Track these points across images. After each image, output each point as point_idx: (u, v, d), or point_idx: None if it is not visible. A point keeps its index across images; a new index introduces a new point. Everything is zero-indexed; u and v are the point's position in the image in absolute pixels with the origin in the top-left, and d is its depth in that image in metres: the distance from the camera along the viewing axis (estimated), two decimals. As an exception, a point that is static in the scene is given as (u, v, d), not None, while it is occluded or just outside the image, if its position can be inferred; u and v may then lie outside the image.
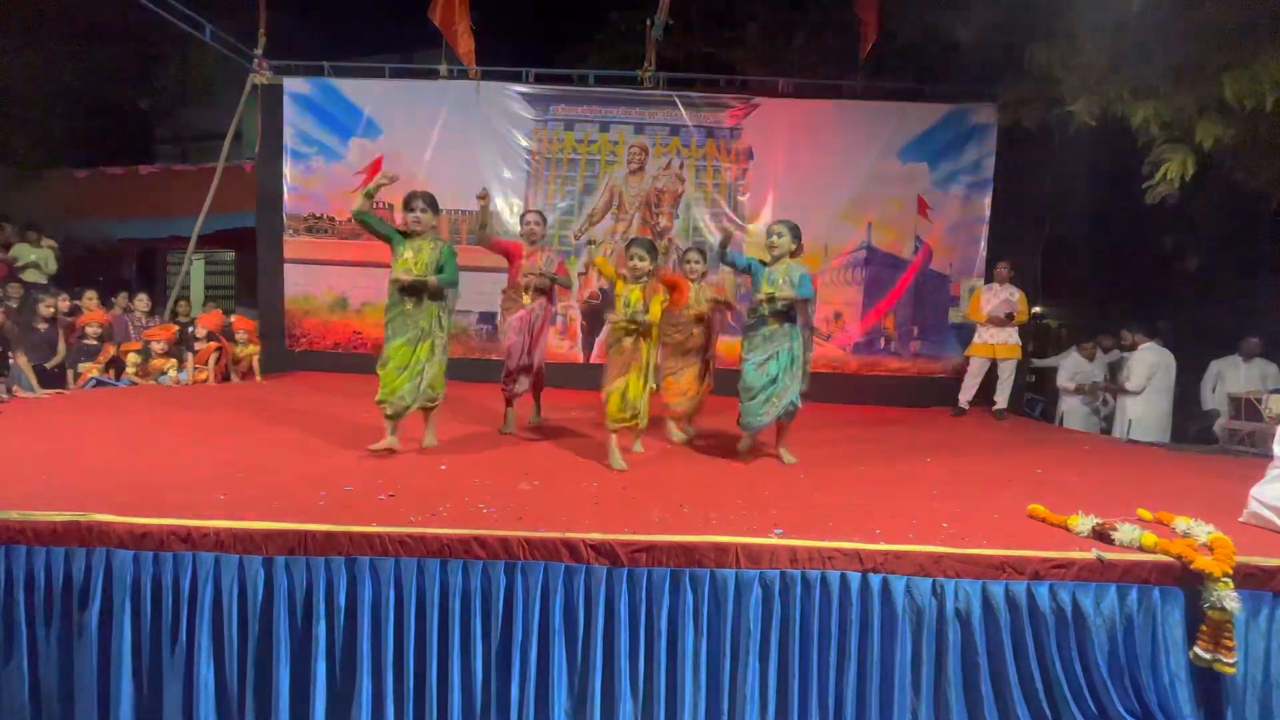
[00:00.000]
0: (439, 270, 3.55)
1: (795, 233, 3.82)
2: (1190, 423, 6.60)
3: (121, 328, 6.66)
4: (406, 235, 3.57)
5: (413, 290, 3.52)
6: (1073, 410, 6.95)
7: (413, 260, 3.51)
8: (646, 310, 3.58)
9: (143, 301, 7.06)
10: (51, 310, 5.94)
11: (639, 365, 3.61)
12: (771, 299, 3.69)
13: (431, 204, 3.60)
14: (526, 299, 4.28)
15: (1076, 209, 8.50)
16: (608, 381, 3.64)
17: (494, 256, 4.49)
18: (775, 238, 3.80)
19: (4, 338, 5.24)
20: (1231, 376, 6.31)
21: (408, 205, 3.55)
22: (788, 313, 3.73)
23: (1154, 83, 5.14)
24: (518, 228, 4.61)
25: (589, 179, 7.55)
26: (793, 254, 3.81)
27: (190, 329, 6.63)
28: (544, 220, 4.48)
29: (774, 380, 3.72)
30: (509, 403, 4.48)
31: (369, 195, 3.48)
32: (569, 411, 5.22)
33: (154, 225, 10.12)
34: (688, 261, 4.47)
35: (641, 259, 3.63)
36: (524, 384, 4.39)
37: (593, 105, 7.57)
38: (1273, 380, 6.11)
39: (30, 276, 6.94)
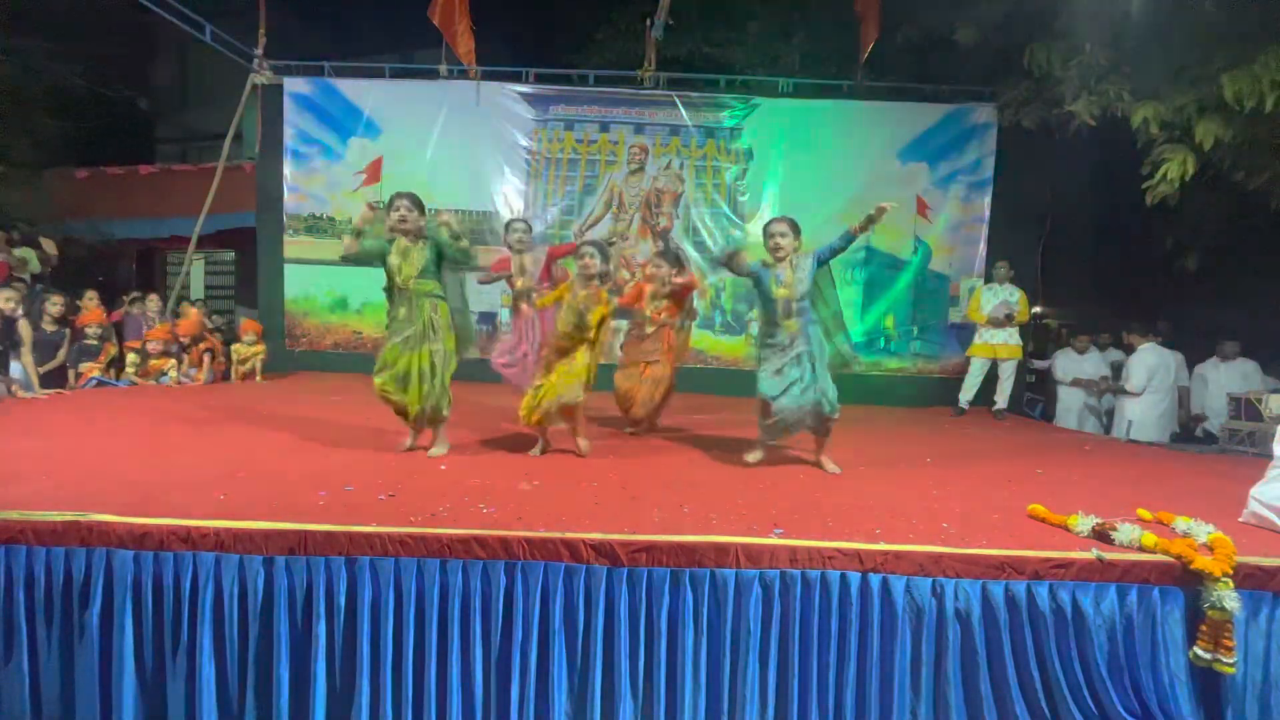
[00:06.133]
0: (432, 267, 3.50)
1: (796, 229, 3.57)
2: (1191, 423, 6.60)
3: (134, 327, 6.67)
4: (393, 240, 3.52)
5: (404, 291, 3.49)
6: (1069, 409, 6.95)
7: (400, 263, 3.46)
8: (586, 316, 3.62)
9: (154, 302, 7.07)
10: (61, 310, 5.93)
11: (569, 367, 3.63)
12: (788, 303, 3.47)
13: (416, 204, 3.52)
14: (523, 305, 4.45)
15: (1076, 209, 8.50)
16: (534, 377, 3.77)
17: (487, 258, 4.63)
18: (780, 238, 3.51)
19: (14, 336, 5.23)
20: (1214, 379, 6.36)
21: (392, 205, 3.49)
22: (803, 312, 3.51)
23: (1154, 83, 5.14)
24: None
25: (589, 179, 7.56)
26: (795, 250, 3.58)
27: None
28: (529, 228, 4.57)
29: (796, 380, 3.46)
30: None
31: (357, 234, 3.45)
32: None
33: (154, 225, 10.12)
34: (657, 266, 4.52)
35: (593, 256, 3.64)
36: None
37: (593, 105, 7.58)
38: (1254, 379, 6.14)
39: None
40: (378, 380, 3.52)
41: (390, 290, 3.55)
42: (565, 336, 3.68)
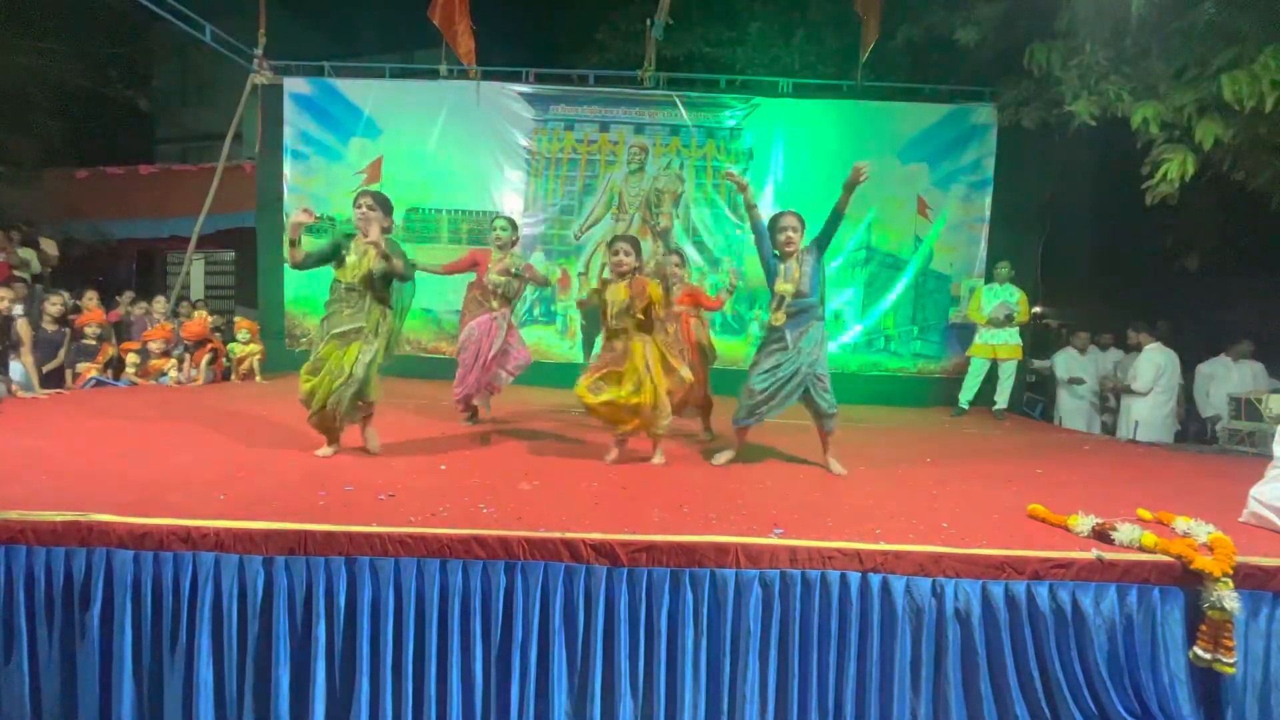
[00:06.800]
0: (377, 275, 3.37)
1: (804, 224, 3.54)
2: (1192, 424, 6.60)
3: (140, 329, 6.68)
4: (352, 237, 3.42)
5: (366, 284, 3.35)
6: (1071, 410, 6.94)
7: (357, 260, 3.36)
8: (631, 310, 3.48)
9: (160, 303, 7.07)
10: (61, 310, 5.93)
11: (632, 367, 3.48)
12: (782, 299, 3.46)
13: (380, 202, 3.42)
14: (494, 304, 4.39)
15: (1076, 209, 8.51)
16: (583, 374, 3.61)
17: (449, 254, 4.60)
18: (791, 232, 3.45)
19: (14, 337, 5.23)
20: (1223, 378, 6.35)
21: (355, 204, 3.42)
22: (808, 309, 3.48)
23: (1154, 83, 5.14)
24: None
25: (589, 179, 7.56)
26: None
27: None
28: (511, 226, 4.50)
29: (788, 380, 3.47)
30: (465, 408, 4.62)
31: (294, 244, 3.32)
32: (568, 412, 5.21)
33: (154, 225, 10.13)
34: (677, 265, 4.48)
35: (627, 254, 3.52)
36: (474, 394, 4.49)
37: (593, 105, 7.58)
38: (1262, 380, 6.14)
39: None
40: (304, 387, 3.38)
41: (338, 284, 3.40)
42: (616, 332, 3.57)
